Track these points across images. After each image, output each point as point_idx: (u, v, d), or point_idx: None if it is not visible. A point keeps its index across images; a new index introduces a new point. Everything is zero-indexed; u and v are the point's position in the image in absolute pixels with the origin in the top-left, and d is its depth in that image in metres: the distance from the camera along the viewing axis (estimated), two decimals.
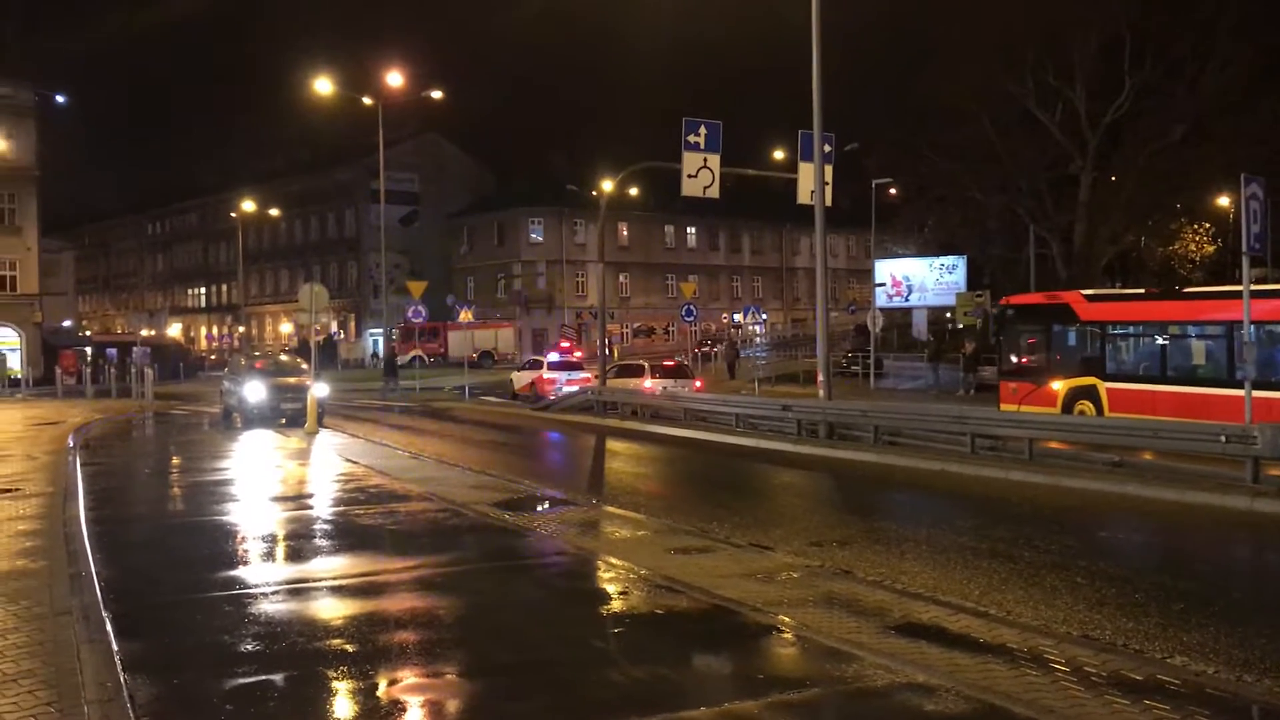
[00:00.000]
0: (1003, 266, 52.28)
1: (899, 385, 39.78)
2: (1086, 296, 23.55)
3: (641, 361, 35.24)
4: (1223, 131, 39.05)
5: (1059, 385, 22.36)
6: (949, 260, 50.91)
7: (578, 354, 40.49)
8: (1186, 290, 25.18)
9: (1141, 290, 26.72)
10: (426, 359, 58.05)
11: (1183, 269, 54.14)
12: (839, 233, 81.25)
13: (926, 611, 8.19)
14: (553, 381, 34.82)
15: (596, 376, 31.64)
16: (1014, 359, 24.61)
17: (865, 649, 7.05)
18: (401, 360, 51.11)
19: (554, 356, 39.75)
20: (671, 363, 34.50)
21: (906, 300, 52.13)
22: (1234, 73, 38.78)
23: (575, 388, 32.96)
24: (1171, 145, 41.09)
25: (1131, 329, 22.24)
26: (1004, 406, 22.99)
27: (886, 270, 52.80)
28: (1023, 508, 13.80)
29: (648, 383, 30.42)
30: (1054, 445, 17.46)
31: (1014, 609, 8.51)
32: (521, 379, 37.98)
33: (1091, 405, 21.54)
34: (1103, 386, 21.43)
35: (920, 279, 51.50)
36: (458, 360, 52.39)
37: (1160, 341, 21.20)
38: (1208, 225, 54.93)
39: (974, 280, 50.32)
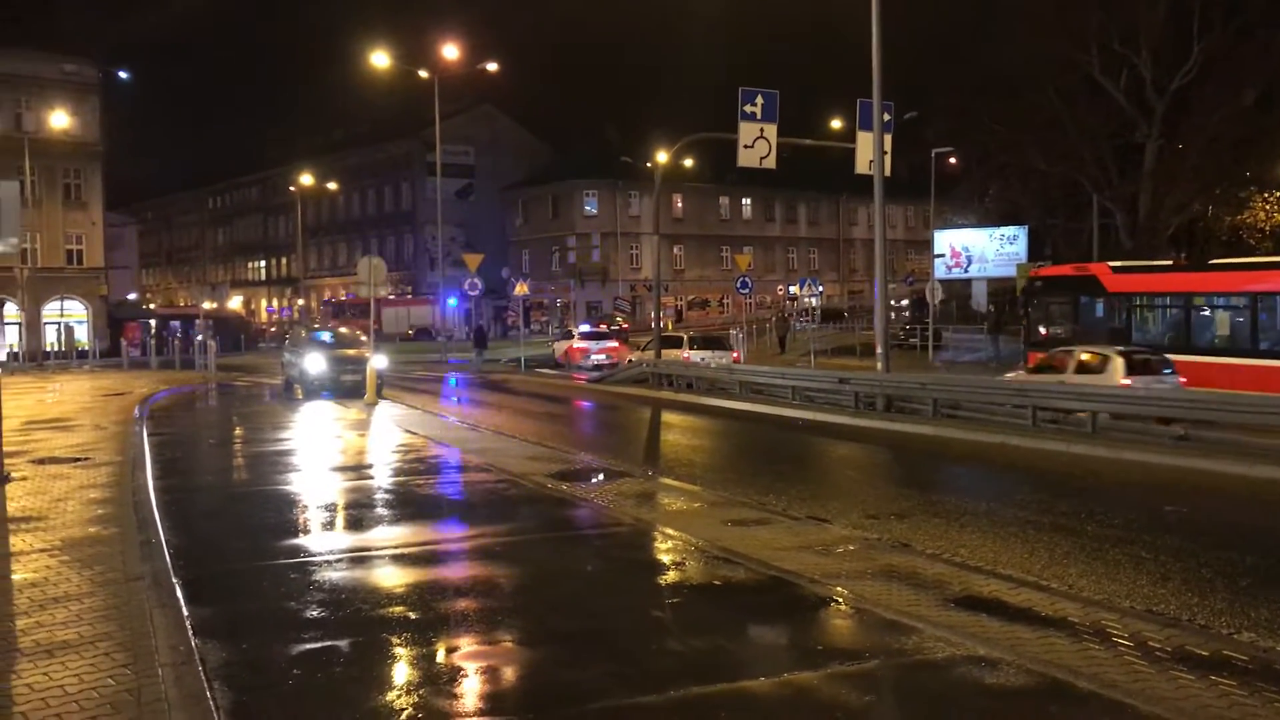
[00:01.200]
0: (1065, 237, 51.44)
1: (958, 358, 39.37)
2: (1113, 268, 23.72)
3: (680, 334, 36.10)
4: None
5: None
6: (1010, 230, 50.14)
7: (623, 325, 42.89)
8: (1212, 262, 25.45)
9: (1168, 262, 27.18)
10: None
11: (1252, 239, 52.87)
12: (897, 203, 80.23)
13: (987, 585, 8.13)
14: (584, 350, 38.03)
15: (628, 346, 32.19)
16: (1042, 330, 24.93)
17: (925, 621, 7.02)
18: None
19: (585, 327, 44.24)
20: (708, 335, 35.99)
21: (966, 271, 51.44)
22: None
23: (604, 356, 36.38)
24: (1241, 111, 40.06)
25: (1158, 300, 22.41)
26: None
27: (946, 241, 52.14)
28: (1085, 481, 13.63)
29: (685, 354, 30.94)
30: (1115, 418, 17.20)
31: (1076, 583, 8.43)
32: (559, 348, 41.00)
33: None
34: None
35: (980, 250, 50.80)
36: (390, 336, 53.24)
37: (1186, 313, 21.25)
38: (1278, 193, 53.52)
39: (1035, 251, 49.54)
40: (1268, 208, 54.28)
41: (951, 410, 19.67)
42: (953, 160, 51.81)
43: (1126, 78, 41.65)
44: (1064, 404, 17.93)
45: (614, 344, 38.92)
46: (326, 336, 29.13)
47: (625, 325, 61.78)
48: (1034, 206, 49.48)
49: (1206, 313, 21.26)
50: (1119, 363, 20.98)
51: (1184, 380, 21.39)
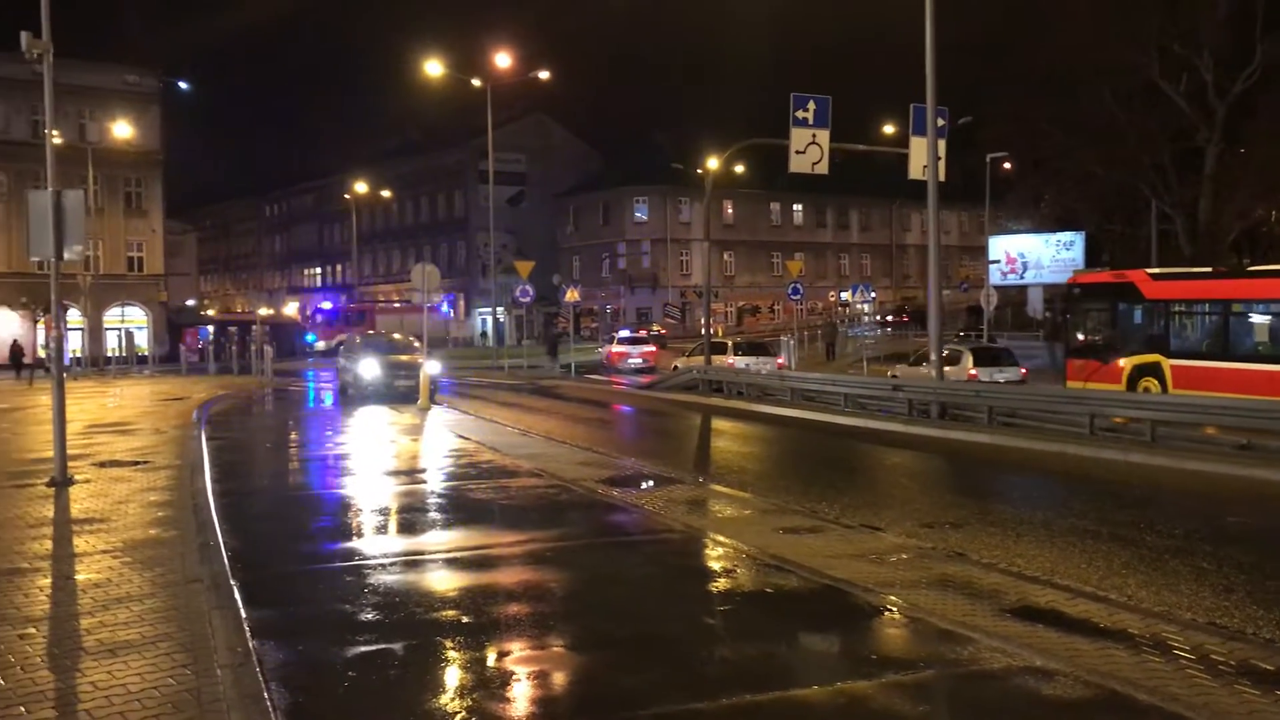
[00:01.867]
0: (1123, 243, 50.67)
1: None
2: (1151, 275, 23.93)
3: (725, 340, 36.87)
4: None
5: (1124, 362, 22.63)
6: (1066, 236, 49.47)
7: (661, 332, 47.90)
8: (1251, 269, 25.87)
9: (1208, 269, 26.95)
10: None
11: None
12: (951, 208, 79.51)
13: (1043, 595, 8.02)
14: (623, 354, 41.63)
15: (665, 351, 33.26)
16: (1080, 337, 24.98)
17: (980, 631, 6.93)
18: (330, 345, 51.69)
19: (624, 332, 48.38)
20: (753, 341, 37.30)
21: (1021, 278, 50.81)
22: None
23: (640, 360, 40.39)
24: None
25: (1197, 307, 22.34)
26: (1070, 384, 23.34)
27: (1001, 247, 51.54)
28: (1144, 491, 13.41)
29: (730, 360, 31.54)
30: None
31: (1135, 594, 8.29)
32: (604, 352, 44.32)
33: (1156, 382, 21.72)
34: (1167, 363, 21.64)
35: (1036, 255, 50.17)
36: (437, 343, 53.50)
37: (1225, 320, 21.32)
38: None
39: (1092, 257, 48.79)
40: None
41: (1007, 418, 19.42)
42: (1007, 165, 51.24)
43: (1187, 81, 40.95)
44: (1122, 411, 17.64)
45: (651, 348, 42.68)
46: (382, 343, 29.45)
47: (664, 331, 62.42)
48: (1091, 212, 48.75)
49: (1247, 320, 21.20)
50: (969, 356, 26.15)
51: (1024, 370, 26.60)
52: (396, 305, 66.88)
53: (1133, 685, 5.94)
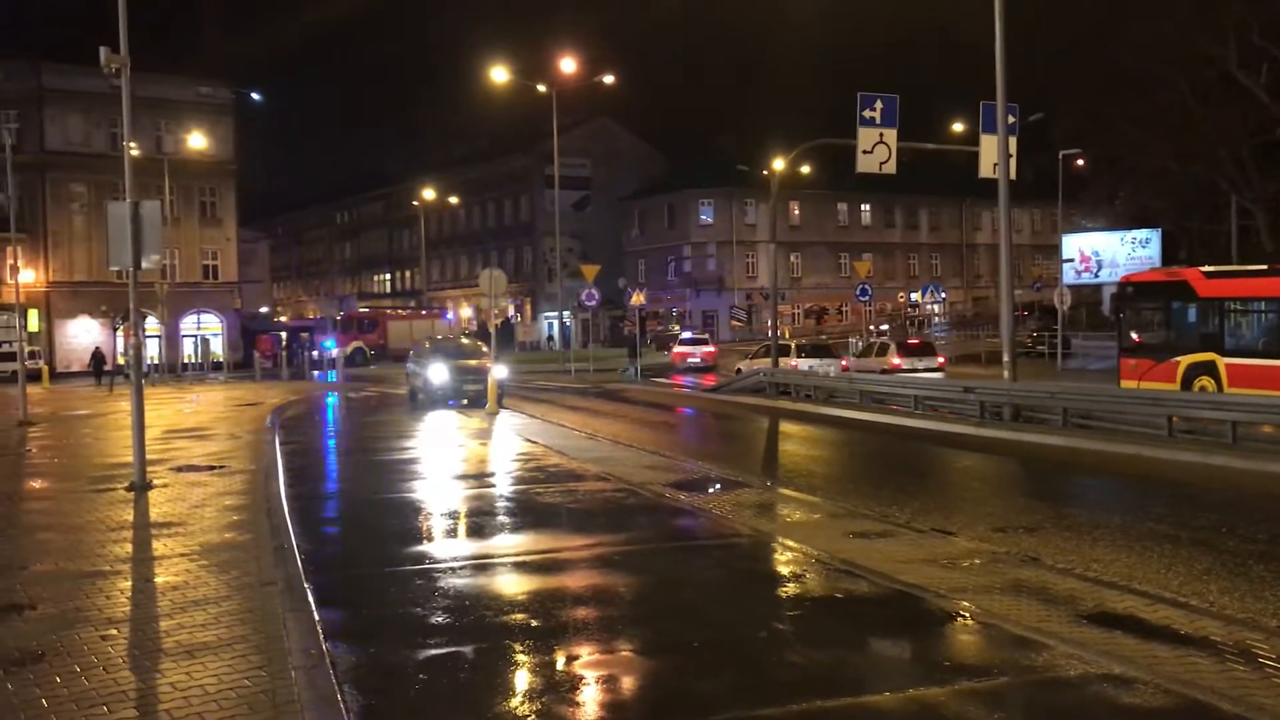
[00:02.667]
0: (1201, 239, 49.47)
1: (1088, 365, 38.13)
2: (1205, 273, 23.94)
3: (789, 343, 37.19)
4: None
5: (1179, 361, 22.61)
6: (1141, 234, 48.37)
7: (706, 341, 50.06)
8: None
9: (1263, 267, 26.89)
10: (368, 350, 59.00)
11: None
12: (1023, 207, 78.16)
13: (1121, 601, 7.84)
14: (684, 354, 45.94)
15: (721, 352, 34.88)
16: (1134, 336, 24.96)
17: (1056, 638, 6.79)
18: (344, 352, 51.78)
19: (686, 334, 53.50)
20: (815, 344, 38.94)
21: (1096, 276, 49.77)
22: None
23: (699, 359, 44.33)
24: None
25: (1252, 305, 22.36)
26: (1124, 383, 23.30)
27: (1074, 245, 50.56)
28: (1225, 494, 13.06)
29: (793, 363, 32.21)
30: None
31: (1217, 600, 8.07)
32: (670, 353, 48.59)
33: (1211, 380, 21.78)
34: (1222, 362, 21.65)
35: (1111, 254, 49.12)
36: (398, 351, 53.43)
37: (1277, 317, 21.45)
38: None
39: (1170, 255, 47.69)
40: None
41: (1082, 420, 19.06)
42: (1080, 162, 50.24)
43: (1267, 71, 39.86)
44: (1201, 413, 17.22)
45: (710, 349, 46.99)
46: (450, 348, 29.74)
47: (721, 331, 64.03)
48: (1167, 208, 47.69)
49: None
50: (894, 347, 30.76)
51: (942, 360, 30.30)
52: (404, 313, 68.14)
53: (1216, 695, 5.77)
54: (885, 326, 52.66)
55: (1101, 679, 6.03)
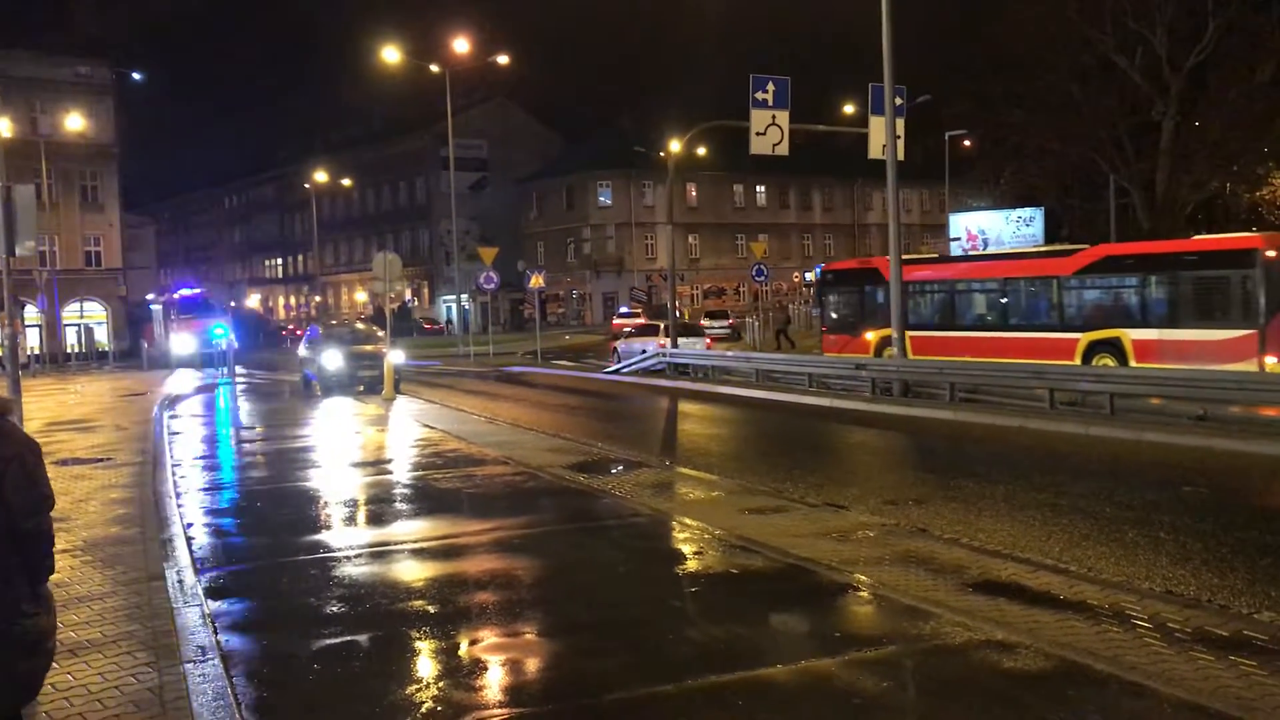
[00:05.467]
0: (1082, 218, 51.11)
1: None
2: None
3: (656, 323, 37.65)
4: None
5: (871, 335, 26.89)
6: (1026, 212, 49.81)
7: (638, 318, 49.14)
8: (969, 254, 32.66)
9: (935, 255, 33.80)
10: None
11: (1271, 215, 52.40)
12: (912, 187, 79.93)
13: (1005, 569, 8.12)
14: (623, 325, 44.27)
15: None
16: (834, 316, 29.26)
17: (943, 606, 7.02)
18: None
19: (624, 309, 57.61)
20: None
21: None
22: None
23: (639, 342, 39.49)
24: (1258, 87, 39.68)
25: (926, 287, 26.58)
26: (826, 354, 27.40)
27: (961, 224, 51.87)
28: (1104, 463, 13.58)
29: (660, 342, 32.76)
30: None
31: (1095, 565, 8.41)
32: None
33: (895, 351, 24.29)
34: (907, 335, 24.55)
35: (996, 232, 50.49)
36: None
37: (950, 297, 25.90)
38: None
39: (1052, 232, 49.17)
40: None
41: (969, 394, 19.62)
42: (967, 143, 51.54)
43: (1141, 55, 41.30)
44: (1082, 385, 17.87)
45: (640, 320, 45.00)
46: (345, 333, 29.22)
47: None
48: (1050, 188, 49.14)
49: (968, 296, 25.74)
50: (662, 328, 33.17)
51: (708, 342, 33.62)
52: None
53: (1092, 656, 6.04)
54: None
55: (986, 645, 6.26)
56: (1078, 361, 21.75)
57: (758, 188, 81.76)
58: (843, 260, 36.83)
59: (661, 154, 55.85)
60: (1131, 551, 8.84)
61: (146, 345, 45.81)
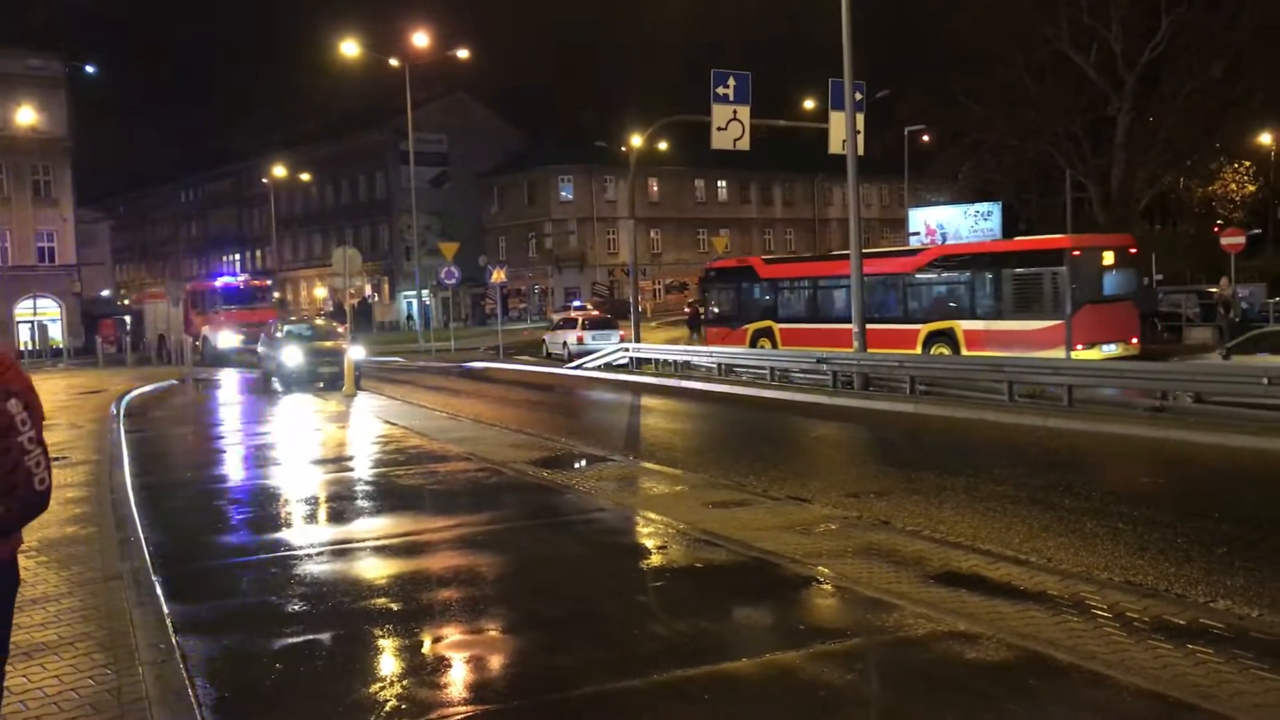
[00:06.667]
0: (1039, 212, 51.63)
1: None
2: (765, 260, 31.74)
3: (574, 316, 39.94)
4: (1263, 68, 38.22)
5: (748, 327, 29.35)
6: (984, 207, 50.07)
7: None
8: (830, 253, 35.52)
9: (798, 255, 38.32)
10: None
11: (1223, 209, 53.23)
12: (871, 182, 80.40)
13: (966, 560, 8.19)
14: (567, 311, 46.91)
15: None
16: (716, 310, 31.78)
17: (905, 598, 7.06)
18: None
19: (577, 303, 57.22)
20: (598, 314, 41.13)
21: None
22: (1275, 6, 37.82)
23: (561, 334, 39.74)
24: (1211, 83, 40.24)
25: (795, 284, 29.12)
26: (709, 345, 29.30)
27: (920, 219, 52.04)
28: (1062, 455, 13.73)
29: (578, 335, 35.50)
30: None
31: (1055, 556, 8.50)
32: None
33: (769, 341, 28.35)
34: (776, 327, 28.51)
35: (955, 227, 50.72)
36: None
37: (813, 292, 28.35)
38: (1248, 164, 53.94)
39: (1010, 227, 49.51)
40: (1238, 178, 54.68)
41: (929, 387, 19.77)
42: (926, 138, 51.89)
43: (1097, 51, 41.74)
44: (1039, 378, 18.06)
45: (582, 307, 48.33)
46: (304, 329, 28.96)
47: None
48: (1008, 182, 49.59)
49: (825, 291, 27.91)
50: (581, 322, 36.48)
51: (623, 334, 34.14)
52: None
53: (1052, 645, 6.10)
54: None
55: (948, 636, 6.30)
56: (919, 350, 23.97)
57: (719, 183, 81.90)
58: (724, 259, 38.98)
59: (623, 149, 55.90)
60: (1091, 542, 8.94)
61: (100, 341, 45.20)
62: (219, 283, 45.10)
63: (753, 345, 28.23)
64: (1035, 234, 37.03)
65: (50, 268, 54.68)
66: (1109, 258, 23.05)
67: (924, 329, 24.32)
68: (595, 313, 43.92)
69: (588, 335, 34.87)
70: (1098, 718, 5.19)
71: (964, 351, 22.42)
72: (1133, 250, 24.43)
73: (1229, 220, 49.44)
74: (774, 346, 27.60)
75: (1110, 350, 21.95)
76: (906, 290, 25.26)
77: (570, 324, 37.38)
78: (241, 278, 51.28)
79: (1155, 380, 16.41)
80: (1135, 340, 22.94)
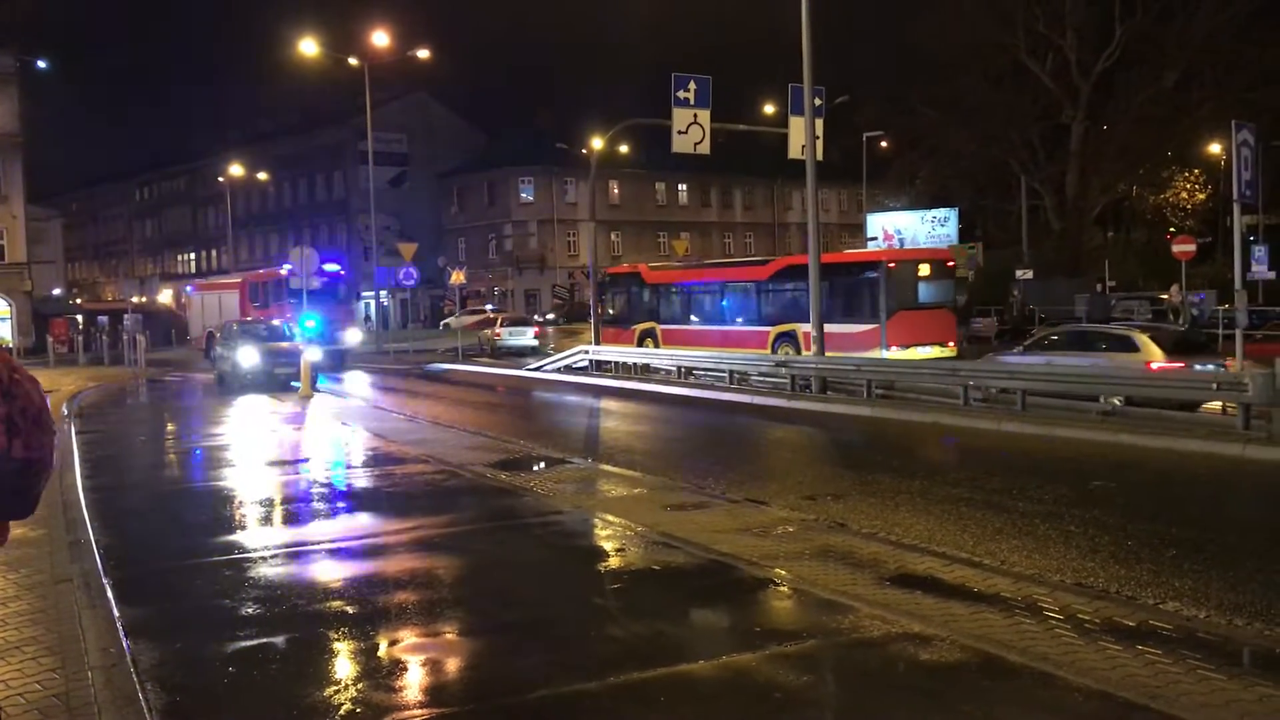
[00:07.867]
0: (995, 218, 52.25)
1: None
2: (650, 267, 34.20)
3: (491, 315, 45.05)
4: (1213, 78, 38.93)
5: (635, 328, 31.45)
6: (941, 213, 50.75)
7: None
8: (705, 262, 39.76)
9: (679, 263, 41.12)
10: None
11: (1174, 216, 54.06)
12: (830, 187, 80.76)
13: (921, 562, 8.26)
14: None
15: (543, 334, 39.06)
16: (610, 312, 33.37)
17: (861, 600, 7.11)
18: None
19: (490, 306, 59.27)
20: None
21: None
22: (1224, 19, 38.56)
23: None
24: (1163, 93, 40.94)
25: (674, 288, 31.39)
26: (603, 344, 30.06)
27: (878, 223, 52.65)
28: (1015, 458, 13.89)
29: (496, 331, 39.66)
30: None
31: (1008, 558, 8.59)
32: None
33: (653, 341, 30.52)
34: (659, 328, 30.79)
35: (912, 232, 51.36)
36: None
37: (689, 296, 30.63)
38: (1199, 173, 54.84)
39: (966, 232, 50.21)
40: (1189, 187, 55.56)
41: (886, 391, 19.93)
42: (884, 144, 52.28)
43: (1052, 60, 42.32)
44: (993, 382, 18.25)
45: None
46: (260, 329, 28.64)
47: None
48: (964, 188, 50.16)
49: (701, 296, 30.21)
50: (500, 319, 40.62)
51: (536, 330, 40.71)
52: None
53: (1005, 647, 6.17)
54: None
55: (903, 637, 6.35)
56: (769, 350, 26.27)
57: (680, 186, 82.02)
58: (617, 266, 42.55)
59: (584, 151, 55.80)
60: (1043, 545, 9.05)
61: (51, 341, 44.47)
62: (285, 269, 34.71)
63: (639, 345, 30.34)
64: (989, 240, 37.79)
65: (0, 265, 53.71)
66: (925, 269, 25.76)
67: (772, 331, 26.79)
68: (510, 313, 50.46)
69: (504, 331, 39.95)
70: (1049, 718, 5.26)
71: (804, 352, 24.04)
72: (950, 264, 27.42)
73: (1180, 228, 50.26)
74: (656, 346, 29.89)
75: (925, 352, 24.20)
76: (759, 296, 28.02)
77: (487, 324, 42.56)
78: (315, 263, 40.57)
79: (1104, 385, 16.63)
80: (952, 344, 25.27)
